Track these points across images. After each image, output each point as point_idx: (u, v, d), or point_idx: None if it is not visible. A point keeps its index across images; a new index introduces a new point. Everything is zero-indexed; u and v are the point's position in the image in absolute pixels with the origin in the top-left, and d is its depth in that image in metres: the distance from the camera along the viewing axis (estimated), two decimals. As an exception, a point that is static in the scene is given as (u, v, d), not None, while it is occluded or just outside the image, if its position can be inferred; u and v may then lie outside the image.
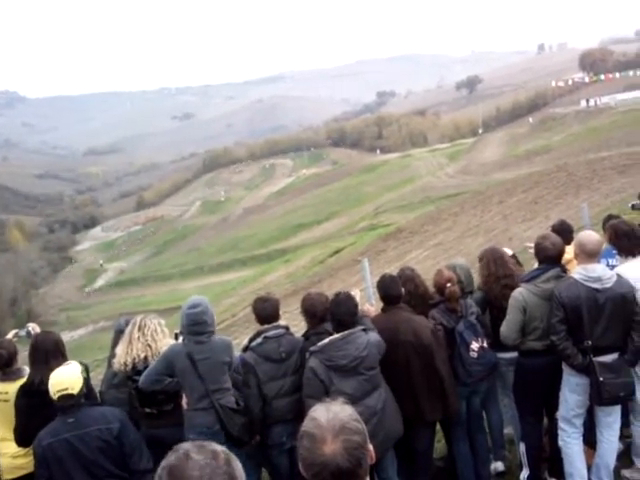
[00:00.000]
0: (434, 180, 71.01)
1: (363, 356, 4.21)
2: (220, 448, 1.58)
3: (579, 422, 4.68)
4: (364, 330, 4.36)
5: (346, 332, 4.24)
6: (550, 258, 4.82)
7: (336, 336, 4.24)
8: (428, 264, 17.37)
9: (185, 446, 1.58)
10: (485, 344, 5.04)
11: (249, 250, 70.15)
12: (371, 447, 1.89)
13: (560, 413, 4.75)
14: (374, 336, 4.38)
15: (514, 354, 5.09)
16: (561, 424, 4.73)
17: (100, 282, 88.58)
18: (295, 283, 25.27)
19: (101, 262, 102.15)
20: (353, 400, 4.09)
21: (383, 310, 4.92)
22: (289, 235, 70.18)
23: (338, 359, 4.16)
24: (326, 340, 4.23)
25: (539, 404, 5.02)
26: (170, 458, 1.57)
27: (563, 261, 5.06)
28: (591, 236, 4.59)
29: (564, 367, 4.64)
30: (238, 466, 1.56)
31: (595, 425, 4.73)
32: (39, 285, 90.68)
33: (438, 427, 5.29)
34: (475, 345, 4.97)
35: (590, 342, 4.41)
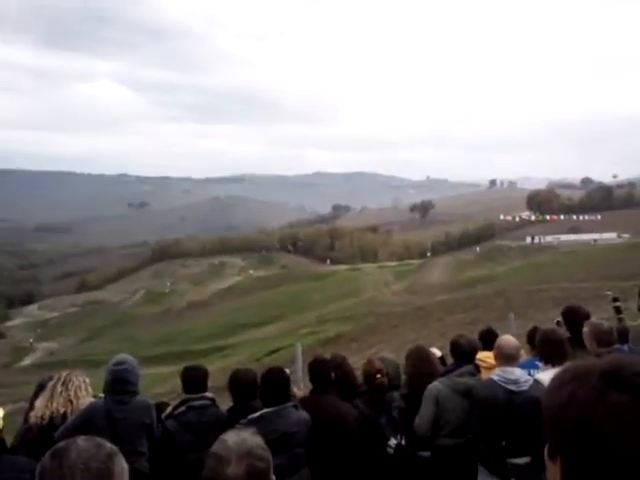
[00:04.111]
0: (379, 296, 71.95)
1: (293, 432, 4.12)
2: (110, 445, 1.64)
3: (490, 524, 4.72)
4: (295, 407, 4.30)
5: (277, 407, 4.16)
6: (464, 354, 5.16)
7: (268, 410, 4.14)
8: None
9: (79, 437, 1.65)
10: (403, 441, 5.04)
11: (187, 345, 68.61)
12: (274, 478, 1.99)
13: (472, 514, 4.78)
14: (304, 414, 4.31)
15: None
16: (473, 526, 4.76)
17: (27, 361, 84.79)
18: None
19: (31, 340, 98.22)
20: (278, 476, 4.00)
21: (311, 392, 4.97)
22: (229, 334, 69.22)
23: (268, 433, 3.91)
24: (257, 413, 4.11)
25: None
26: (60, 443, 1.63)
27: (488, 366, 5.30)
28: (509, 341, 4.84)
29: (479, 467, 4.73)
30: (121, 464, 1.62)
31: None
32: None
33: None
34: (393, 442, 4.97)
35: (504, 442, 4.55)
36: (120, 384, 4.56)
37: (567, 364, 1.24)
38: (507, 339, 4.90)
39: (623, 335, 5.67)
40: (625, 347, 5.16)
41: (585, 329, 5.00)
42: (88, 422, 4.39)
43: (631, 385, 1.07)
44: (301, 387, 6.01)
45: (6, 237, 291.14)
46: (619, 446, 1.04)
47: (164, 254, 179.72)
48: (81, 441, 1.60)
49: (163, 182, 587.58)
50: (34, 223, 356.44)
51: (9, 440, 4.17)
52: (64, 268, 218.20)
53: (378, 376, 5.04)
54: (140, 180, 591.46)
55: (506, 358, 4.70)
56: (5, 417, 3.81)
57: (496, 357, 4.84)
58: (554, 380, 1.22)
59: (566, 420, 1.11)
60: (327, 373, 4.87)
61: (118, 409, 4.49)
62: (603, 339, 4.83)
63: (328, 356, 5.45)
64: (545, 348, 4.81)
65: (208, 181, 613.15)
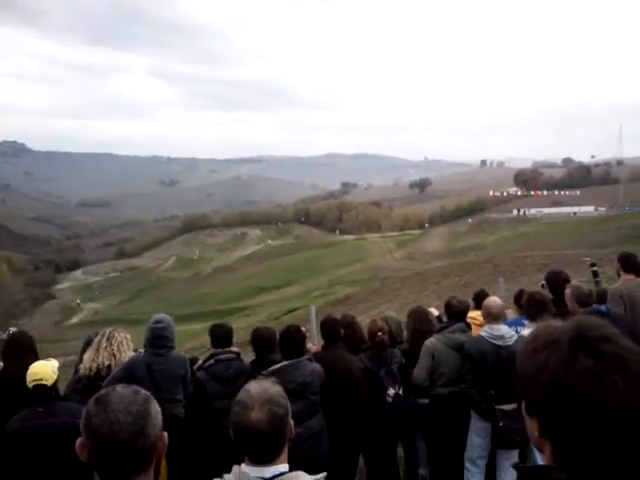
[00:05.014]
0: (382, 262, 72.03)
1: (308, 382, 4.19)
2: (144, 391, 1.64)
3: (482, 463, 4.77)
4: (309, 360, 4.37)
5: (294, 360, 4.23)
6: (457, 313, 5.21)
7: (286, 363, 4.21)
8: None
9: (117, 385, 1.66)
10: (401, 391, 5.10)
11: (213, 305, 69.18)
12: (291, 422, 2.04)
13: (466, 454, 4.83)
14: (317, 366, 4.38)
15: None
16: (467, 464, 4.80)
17: (75, 319, 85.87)
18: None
19: (78, 301, 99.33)
20: (296, 421, 4.07)
21: (323, 347, 5.02)
22: (250, 296, 69.65)
23: (286, 383, 3.91)
24: (277, 365, 4.19)
25: (447, 446, 5.08)
26: (101, 391, 1.64)
27: (479, 324, 5.31)
28: (495, 301, 4.92)
29: (472, 413, 4.77)
30: (155, 407, 1.61)
31: (496, 467, 4.82)
32: (19, 316, 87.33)
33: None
34: (391, 391, 5.04)
35: (493, 391, 4.59)
36: (159, 339, 4.61)
37: (537, 328, 1.27)
38: (493, 300, 4.98)
39: (601, 296, 5.65)
40: (603, 307, 5.14)
41: (567, 291, 5.00)
42: (131, 373, 4.43)
43: (595, 350, 1.10)
44: (315, 343, 6.04)
45: (53, 211, 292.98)
46: (589, 405, 1.07)
47: (193, 226, 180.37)
48: (120, 388, 1.62)
49: (191, 163, 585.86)
50: (77, 199, 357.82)
51: (62, 389, 4.23)
52: (104, 238, 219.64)
53: (379, 334, 5.10)
54: (171, 161, 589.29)
55: (492, 317, 4.75)
56: (58, 369, 3.86)
57: (484, 316, 4.88)
58: (527, 346, 1.22)
59: (540, 384, 1.14)
60: (337, 331, 4.91)
61: (157, 362, 4.53)
62: (583, 300, 4.84)
63: (338, 316, 5.48)
64: (530, 308, 4.83)
65: (231, 162, 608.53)
